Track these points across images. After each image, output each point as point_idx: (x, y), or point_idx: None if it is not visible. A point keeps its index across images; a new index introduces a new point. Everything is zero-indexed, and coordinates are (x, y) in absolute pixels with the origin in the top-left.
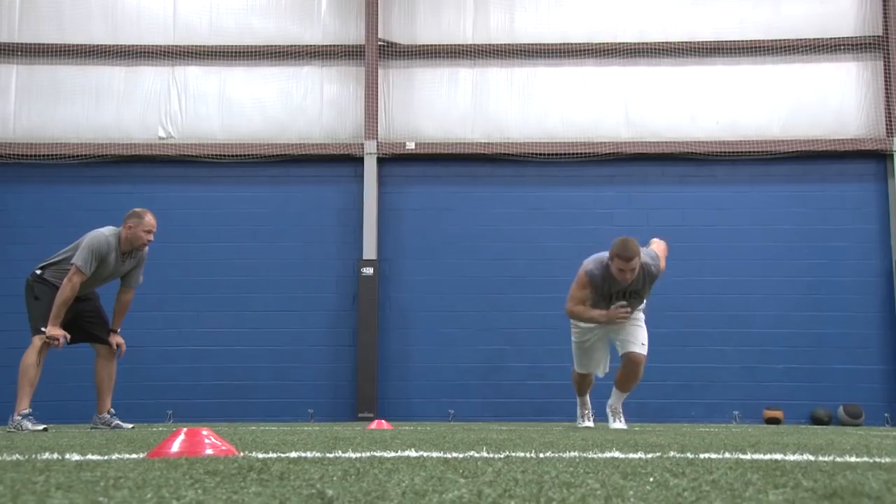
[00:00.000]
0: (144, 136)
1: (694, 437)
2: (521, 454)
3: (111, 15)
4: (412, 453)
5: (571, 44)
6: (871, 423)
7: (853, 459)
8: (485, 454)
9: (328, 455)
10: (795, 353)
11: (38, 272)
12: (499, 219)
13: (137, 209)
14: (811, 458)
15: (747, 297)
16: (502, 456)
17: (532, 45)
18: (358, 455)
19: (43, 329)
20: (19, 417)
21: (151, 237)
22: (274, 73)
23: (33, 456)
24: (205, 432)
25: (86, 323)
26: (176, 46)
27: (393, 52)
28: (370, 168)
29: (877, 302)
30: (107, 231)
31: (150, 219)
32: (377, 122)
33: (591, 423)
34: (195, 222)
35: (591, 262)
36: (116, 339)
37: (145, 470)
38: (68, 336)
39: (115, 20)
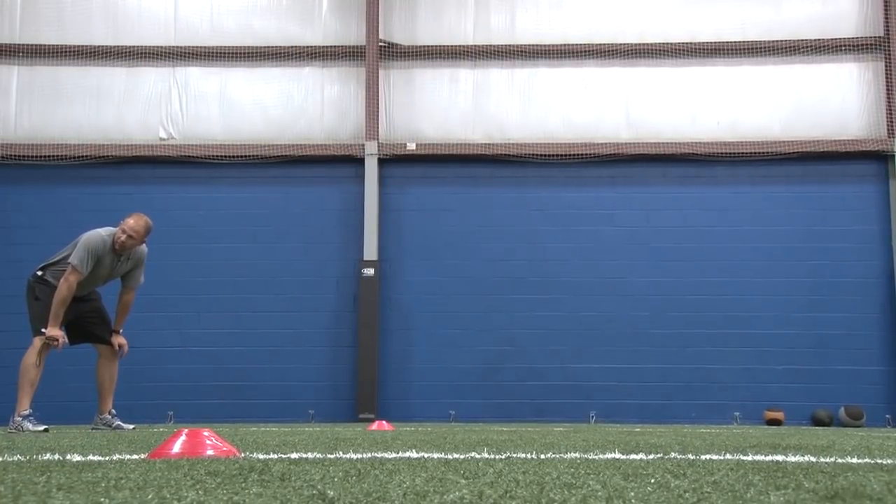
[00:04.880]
0: (145, 136)
1: (695, 438)
2: (522, 455)
3: (112, 16)
4: (413, 454)
5: (572, 44)
6: (873, 425)
7: (854, 461)
8: (486, 455)
9: (329, 456)
10: (796, 354)
11: (39, 273)
12: (499, 219)
13: (134, 212)
14: (812, 459)
15: (748, 298)
16: (503, 457)
17: (533, 45)
18: (359, 456)
19: (43, 330)
20: (20, 418)
21: (125, 238)
22: (275, 73)
23: (34, 457)
24: (206, 433)
25: (87, 323)
26: (176, 47)
27: (394, 52)
28: (371, 169)
29: (877, 303)
30: (104, 231)
31: (132, 221)
32: (378, 123)
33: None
34: (196, 223)
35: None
36: (119, 340)
37: (146, 471)
38: (66, 339)
39: (116, 21)
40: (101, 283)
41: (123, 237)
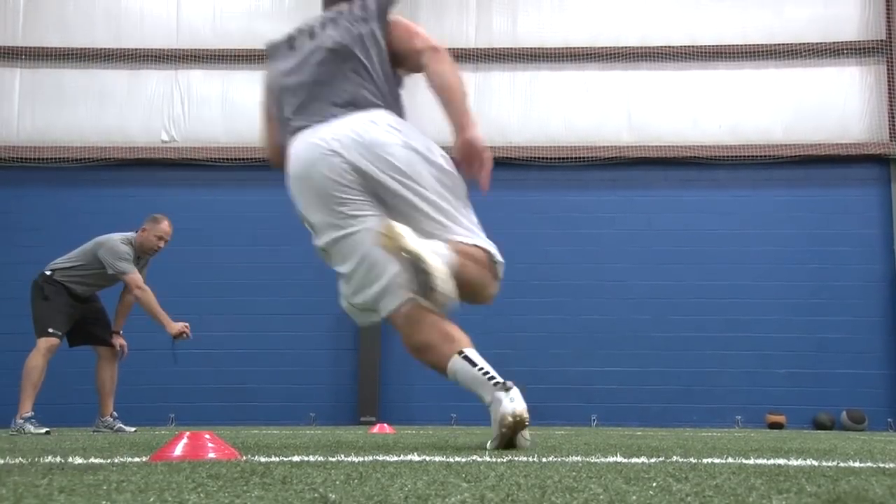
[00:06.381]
0: (147, 139)
1: (696, 441)
2: (524, 458)
3: (114, 18)
4: (415, 457)
5: (574, 48)
6: (875, 429)
7: (857, 465)
8: (487, 458)
9: (330, 459)
10: (798, 358)
11: (48, 273)
12: (500, 222)
13: (157, 214)
14: (814, 463)
15: (749, 302)
16: (505, 460)
17: (534, 49)
18: (360, 459)
19: (50, 330)
20: (22, 420)
21: (163, 244)
22: None
23: (36, 459)
24: (207, 436)
25: (89, 324)
26: (179, 50)
27: None
28: None
29: (879, 306)
30: (118, 237)
31: (164, 225)
32: None
33: None
34: (197, 225)
35: None
36: (119, 341)
37: (148, 473)
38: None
39: (119, 24)
40: (111, 284)
41: (161, 243)
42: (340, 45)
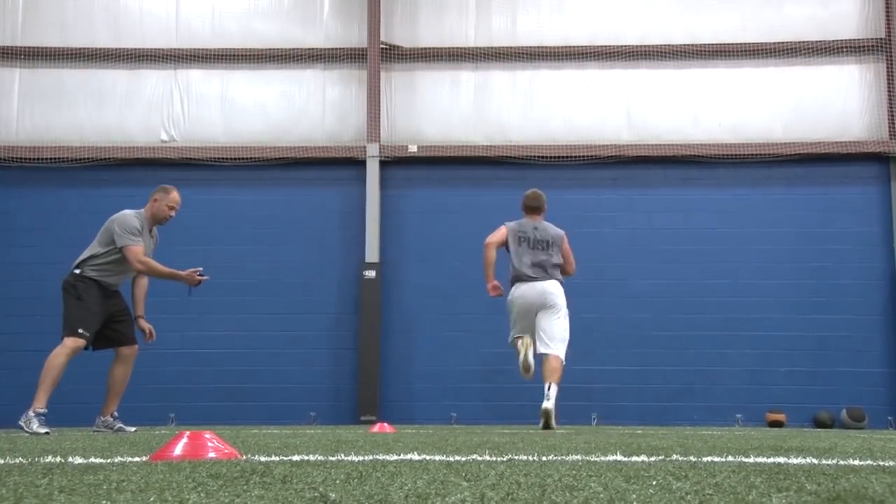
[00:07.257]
0: (147, 138)
1: (696, 440)
2: (524, 457)
3: (114, 18)
4: (415, 456)
5: (573, 46)
6: (875, 427)
7: (856, 463)
8: (487, 457)
9: (331, 458)
10: (798, 356)
11: (77, 271)
12: (501, 221)
13: (166, 185)
14: (814, 461)
15: (750, 300)
16: (505, 459)
17: (534, 47)
18: (360, 458)
19: (80, 331)
20: (33, 414)
21: (173, 213)
22: (276, 76)
23: (36, 459)
24: (207, 435)
25: (116, 323)
26: (178, 49)
27: (395, 54)
28: (372, 171)
29: (879, 304)
30: (130, 212)
31: (175, 195)
32: (379, 125)
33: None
34: (197, 225)
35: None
36: (146, 325)
37: (148, 473)
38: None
39: (118, 23)
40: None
41: (172, 213)
42: (546, 242)
